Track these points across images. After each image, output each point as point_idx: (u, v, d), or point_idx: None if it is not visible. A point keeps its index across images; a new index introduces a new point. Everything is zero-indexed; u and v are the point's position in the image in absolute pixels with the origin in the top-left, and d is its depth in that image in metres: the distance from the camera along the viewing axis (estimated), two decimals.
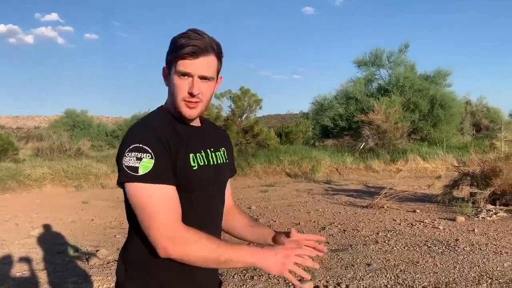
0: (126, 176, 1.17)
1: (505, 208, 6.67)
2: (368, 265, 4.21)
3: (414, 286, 3.62)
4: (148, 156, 1.16)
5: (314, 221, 6.51)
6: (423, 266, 4.13)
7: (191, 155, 1.28)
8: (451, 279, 3.75)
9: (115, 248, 5.14)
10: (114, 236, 5.91)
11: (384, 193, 7.45)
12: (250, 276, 3.91)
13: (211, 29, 1.36)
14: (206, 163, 1.32)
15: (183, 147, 1.26)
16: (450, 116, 17.74)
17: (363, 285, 3.67)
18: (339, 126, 17.79)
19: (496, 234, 5.29)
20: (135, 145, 1.17)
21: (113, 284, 3.84)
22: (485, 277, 3.79)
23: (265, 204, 8.24)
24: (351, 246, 4.96)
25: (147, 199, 1.16)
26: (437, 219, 6.25)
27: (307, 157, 13.40)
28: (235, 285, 3.76)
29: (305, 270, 1.22)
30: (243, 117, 15.67)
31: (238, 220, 1.57)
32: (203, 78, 1.25)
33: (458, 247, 4.76)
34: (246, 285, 3.74)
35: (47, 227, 6.41)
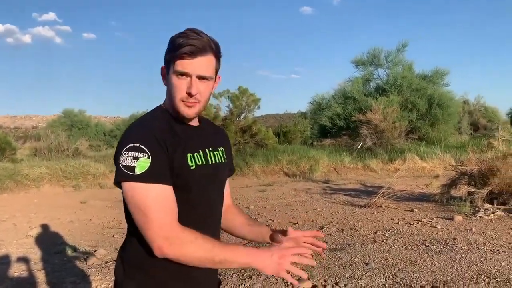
0: (122, 175, 1.17)
1: (502, 207, 6.68)
2: (366, 264, 4.22)
3: (412, 285, 3.63)
4: (145, 155, 1.17)
5: (312, 221, 6.52)
6: (421, 265, 4.13)
7: (188, 154, 1.28)
8: (449, 278, 3.76)
9: (113, 248, 5.14)
10: (112, 236, 5.90)
11: (382, 193, 7.46)
12: (249, 276, 3.91)
13: (209, 29, 1.37)
14: (204, 163, 1.33)
15: (180, 147, 1.26)
16: (448, 115, 17.77)
17: (361, 284, 3.68)
18: (337, 125, 17.80)
19: (494, 233, 5.30)
20: (132, 144, 1.18)
21: (111, 284, 3.84)
22: (483, 276, 3.80)
23: (263, 204, 8.24)
24: (349, 245, 4.97)
25: (143, 199, 1.17)
26: (435, 218, 6.26)
27: (305, 157, 13.40)
28: (234, 284, 3.76)
29: (303, 269, 1.22)
30: (241, 117, 15.67)
31: (236, 219, 1.57)
32: (201, 78, 1.25)
33: (456, 246, 4.77)
34: (244, 285, 3.74)
35: (45, 227, 6.40)
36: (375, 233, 5.55)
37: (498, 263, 4.12)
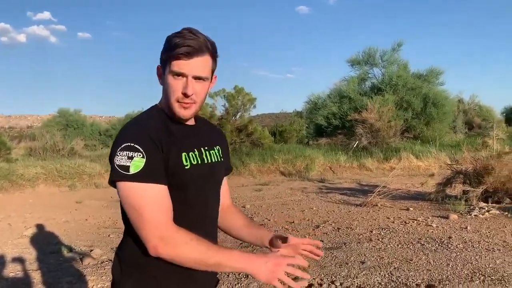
0: (117, 175, 1.17)
1: (497, 205, 6.73)
2: (362, 263, 4.23)
3: (408, 283, 3.65)
4: (140, 155, 1.17)
5: (308, 220, 6.53)
6: (416, 264, 4.15)
7: (183, 154, 1.28)
8: (444, 276, 3.78)
9: (109, 247, 5.13)
10: (108, 236, 5.89)
11: (378, 191, 7.49)
12: (245, 275, 3.91)
13: (205, 28, 1.36)
14: (199, 162, 1.32)
15: (175, 147, 1.26)
16: (443, 114, 17.86)
17: (357, 283, 3.69)
18: (332, 124, 17.84)
19: (489, 232, 5.33)
20: (127, 144, 1.18)
21: (107, 284, 3.83)
22: (478, 274, 3.82)
23: (260, 203, 8.25)
24: (345, 244, 4.99)
25: (138, 198, 1.17)
26: (430, 217, 6.29)
27: (301, 156, 13.42)
28: (230, 283, 3.76)
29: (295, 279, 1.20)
30: (237, 116, 15.65)
31: (236, 220, 1.57)
32: (197, 78, 1.24)
33: (451, 244, 4.80)
34: (241, 284, 3.74)
35: (40, 227, 6.38)
36: (371, 231, 5.56)
37: (493, 261, 4.15)
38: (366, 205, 7.34)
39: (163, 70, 1.27)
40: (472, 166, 7.36)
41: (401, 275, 3.85)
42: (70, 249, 5.10)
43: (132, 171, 1.16)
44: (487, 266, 4.03)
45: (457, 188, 7.58)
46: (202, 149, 1.36)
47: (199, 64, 1.23)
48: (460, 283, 3.61)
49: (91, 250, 4.98)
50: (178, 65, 1.21)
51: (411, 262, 4.21)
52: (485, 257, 4.31)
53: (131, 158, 1.16)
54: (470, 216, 6.22)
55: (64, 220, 7.09)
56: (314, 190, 9.79)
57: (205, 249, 1.17)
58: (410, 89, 17.76)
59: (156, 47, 1.35)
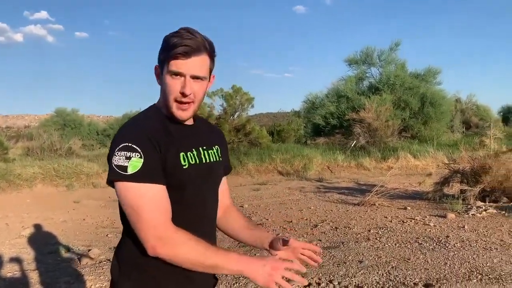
0: (115, 175, 1.17)
1: (494, 204, 6.75)
2: (360, 262, 4.24)
3: (406, 282, 3.66)
4: (137, 155, 1.17)
5: (306, 219, 6.53)
6: (414, 263, 4.16)
7: (181, 154, 1.28)
8: (441, 275, 3.79)
9: (107, 247, 5.12)
10: (106, 236, 5.88)
11: (375, 191, 7.50)
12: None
13: (203, 28, 1.36)
14: (197, 162, 1.32)
15: (173, 146, 1.26)
16: (440, 114, 17.89)
17: (355, 282, 3.70)
18: (330, 124, 17.85)
19: (486, 231, 5.35)
20: (125, 144, 1.18)
21: (105, 284, 3.83)
22: (475, 273, 3.83)
23: (258, 203, 8.25)
24: (343, 243, 4.99)
25: (136, 199, 1.17)
26: (427, 216, 6.31)
27: (299, 155, 13.43)
28: (228, 283, 3.76)
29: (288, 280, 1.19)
30: (235, 116, 15.65)
31: (236, 221, 1.56)
32: (195, 77, 1.24)
33: (449, 243, 4.81)
34: (239, 283, 3.74)
35: (38, 227, 6.36)
36: (369, 231, 5.57)
37: (490, 260, 4.16)
38: (364, 204, 7.35)
39: (161, 70, 1.27)
40: (470, 165, 7.37)
41: (399, 274, 3.86)
42: (68, 249, 5.10)
43: (130, 171, 1.16)
44: (484, 265, 4.04)
45: (454, 187, 7.60)
46: (200, 148, 1.36)
47: (197, 64, 1.23)
48: (458, 282, 3.62)
49: (89, 250, 4.97)
50: (176, 64, 1.21)
51: (409, 261, 4.22)
52: (483, 256, 4.32)
53: (129, 158, 1.16)
54: (467, 215, 6.24)
55: (62, 220, 7.08)
56: (312, 189, 9.80)
57: (204, 250, 1.17)
58: (408, 88, 17.79)
59: (154, 47, 1.35)
